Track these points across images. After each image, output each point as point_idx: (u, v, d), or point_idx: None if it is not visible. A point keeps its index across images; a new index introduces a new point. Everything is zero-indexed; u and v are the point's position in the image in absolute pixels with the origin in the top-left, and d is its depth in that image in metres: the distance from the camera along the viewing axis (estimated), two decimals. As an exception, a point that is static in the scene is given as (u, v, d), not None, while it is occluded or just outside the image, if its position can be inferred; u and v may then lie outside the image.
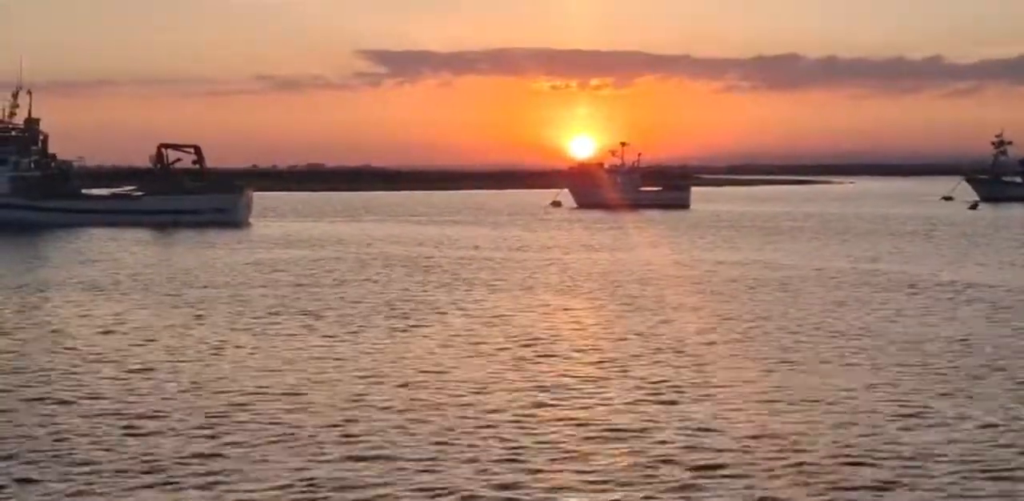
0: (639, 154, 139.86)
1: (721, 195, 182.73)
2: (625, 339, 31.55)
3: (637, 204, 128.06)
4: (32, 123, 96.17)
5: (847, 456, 18.94)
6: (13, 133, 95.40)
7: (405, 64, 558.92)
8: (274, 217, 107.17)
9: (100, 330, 33.32)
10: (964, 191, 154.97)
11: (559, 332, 33.12)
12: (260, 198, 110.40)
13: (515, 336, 32.05)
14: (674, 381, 25.34)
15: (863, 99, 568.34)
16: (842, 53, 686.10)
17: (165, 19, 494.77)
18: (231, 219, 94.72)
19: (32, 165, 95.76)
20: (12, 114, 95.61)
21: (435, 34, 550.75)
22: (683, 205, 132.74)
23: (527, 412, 22.19)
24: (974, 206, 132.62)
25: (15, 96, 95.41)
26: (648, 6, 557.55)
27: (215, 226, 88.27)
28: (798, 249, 67.03)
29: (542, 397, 23.62)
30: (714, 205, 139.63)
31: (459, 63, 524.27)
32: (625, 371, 26.58)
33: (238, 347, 30.26)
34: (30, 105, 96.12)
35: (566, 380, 25.62)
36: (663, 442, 19.81)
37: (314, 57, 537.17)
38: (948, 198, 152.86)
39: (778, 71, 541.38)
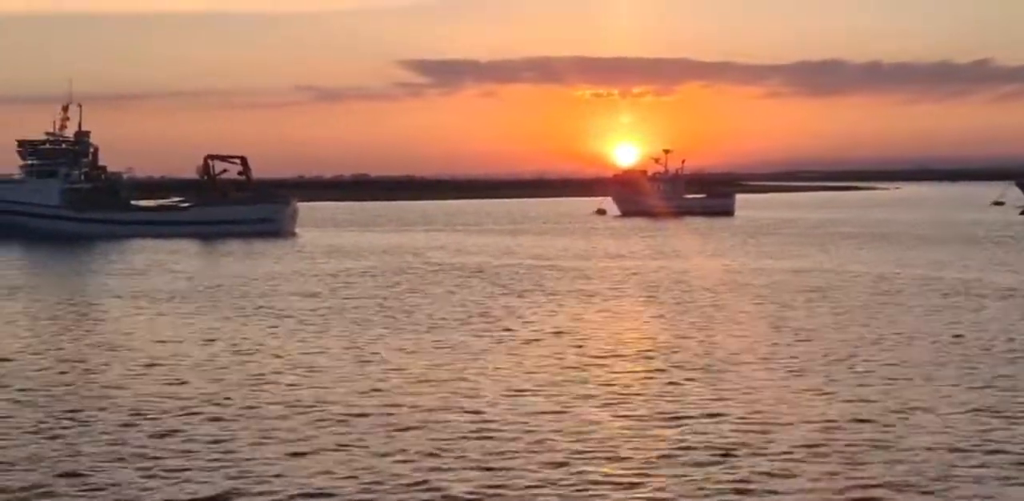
0: (682, 161, 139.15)
1: (766, 202, 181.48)
2: (732, 349, 31.02)
3: (681, 211, 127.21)
4: (82, 136, 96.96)
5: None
6: (64, 146, 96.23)
7: (447, 74, 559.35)
8: (321, 227, 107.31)
9: (200, 341, 33.16)
10: (1014, 196, 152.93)
11: (672, 343, 32.61)
12: (306, 208, 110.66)
13: (624, 346, 31.63)
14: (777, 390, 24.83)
15: (909, 104, 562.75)
16: (886, 58, 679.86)
17: (210, 33, 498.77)
18: (277, 229, 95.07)
19: (82, 177, 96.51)
20: (63, 127, 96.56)
21: (477, 43, 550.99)
22: (727, 212, 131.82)
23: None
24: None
25: (65, 109, 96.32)
26: (690, 13, 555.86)
27: (261, 236, 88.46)
28: (867, 256, 65.92)
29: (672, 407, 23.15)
30: (759, 212, 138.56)
31: (501, 72, 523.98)
32: (737, 378, 26.08)
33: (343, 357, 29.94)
34: (80, 118, 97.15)
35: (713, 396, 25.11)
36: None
37: (356, 68, 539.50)
38: (999, 203, 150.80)
39: (822, 77, 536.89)
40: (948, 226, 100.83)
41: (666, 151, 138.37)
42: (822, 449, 19.85)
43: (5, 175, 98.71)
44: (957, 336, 33.14)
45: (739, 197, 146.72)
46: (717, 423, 21.93)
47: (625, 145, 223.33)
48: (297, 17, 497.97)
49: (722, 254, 69.48)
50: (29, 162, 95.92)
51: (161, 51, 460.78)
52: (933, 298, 43.39)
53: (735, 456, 19.46)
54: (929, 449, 19.84)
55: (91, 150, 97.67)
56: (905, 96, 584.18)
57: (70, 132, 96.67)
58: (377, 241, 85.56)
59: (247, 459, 19.49)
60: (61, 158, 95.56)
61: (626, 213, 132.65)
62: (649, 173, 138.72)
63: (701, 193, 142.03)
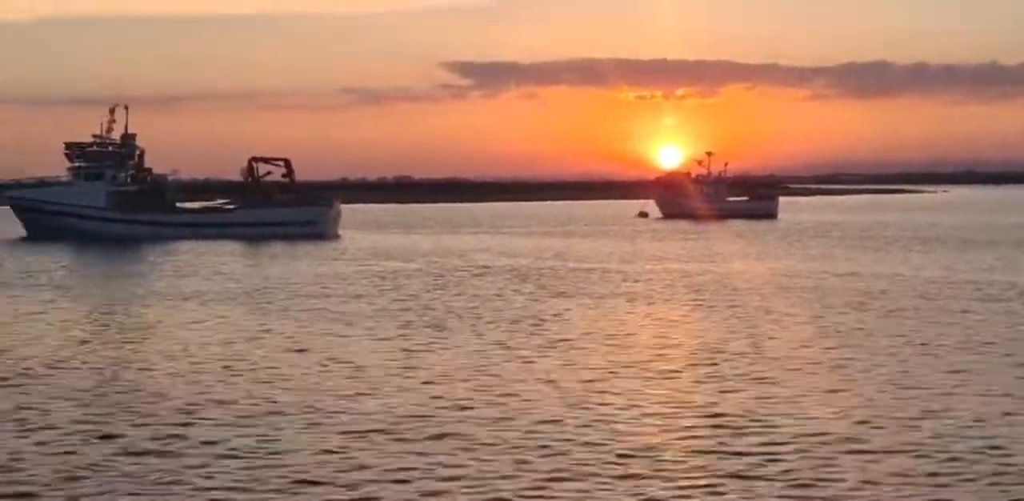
0: (725, 164, 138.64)
1: (810, 205, 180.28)
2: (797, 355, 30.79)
3: (724, 214, 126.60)
4: (128, 138, 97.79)
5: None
6: (110, 148, 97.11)
7: (490, 76, 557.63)
8: (365, 229, 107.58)
9: (245, 340, 33.26)
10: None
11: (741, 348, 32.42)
12: (349, 210, 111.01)
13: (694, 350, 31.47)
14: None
15: (955, 106, 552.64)
16: (933, 59, 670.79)
17: (254, 35, 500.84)
18: (320, 231, 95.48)
19: (128, 179, 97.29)
20: (110, 129, 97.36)
21: (519, 45, 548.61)
22: (770, 215, 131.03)
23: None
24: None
25: (112, 112, 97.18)
26: (733, 15, 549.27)
27: (305, 238, 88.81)
28: (915, 260, 65.07)
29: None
30: (803, 215, 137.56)
31: (544, 74, 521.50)
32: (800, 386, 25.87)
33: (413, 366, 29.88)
34: (126, 120, 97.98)
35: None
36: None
37: (399, 70, 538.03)
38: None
39: (867, 78, 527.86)
40: (996, 230, 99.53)
41: (709, 153, 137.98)
42: (873, 457, 19.57)
43: (53, 177, 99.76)
44: (1012, 340, 32.65)
45: (782, 200, 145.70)
46: (768, 429, 21.67)
47: (668, 147, 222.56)
48: (341, 19, 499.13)
49: (768, 257, 68.91)
50: (76, 164, 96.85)
51: (205, 53, 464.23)
52: (985, 302, 42.80)
53: (784, 461, 19.19)
54: (981, 459, 19.50)
55: (137, 152, 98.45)
56: (952, 98, 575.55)
57: (117, 134, 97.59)
58: (421, 243, 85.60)
59: (291, 465, 19.46)
60: (108, 160, 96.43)
61: (669, 215, 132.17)
62: (692, 175, 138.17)
63: (744, 196, 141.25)
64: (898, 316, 38.81)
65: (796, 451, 19.97)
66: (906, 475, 18.46)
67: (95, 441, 21.04)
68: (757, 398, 24.71)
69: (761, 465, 19.09)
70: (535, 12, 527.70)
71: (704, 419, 22.69)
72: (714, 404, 24.16)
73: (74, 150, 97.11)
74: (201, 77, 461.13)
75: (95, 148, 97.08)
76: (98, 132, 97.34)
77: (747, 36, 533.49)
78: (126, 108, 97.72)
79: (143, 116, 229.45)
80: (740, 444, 20.52)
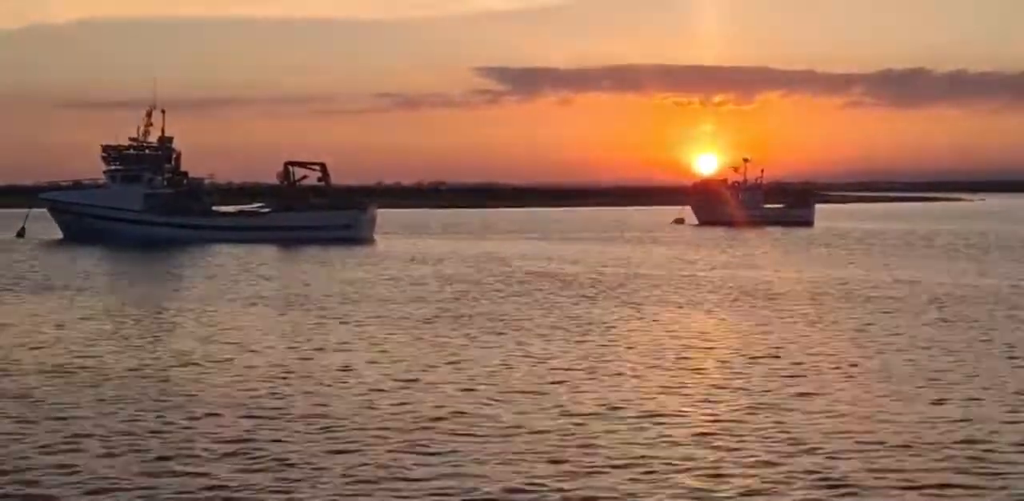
0: (762, 170, 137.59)
1: (846, 212, 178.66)
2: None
3: (760, 221, 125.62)
4: (165, 141, 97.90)
5: None
6: (147, 151, 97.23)
7: (525, 81, 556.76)
8: (400, 234, 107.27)
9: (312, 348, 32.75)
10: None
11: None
12: (384, 215, 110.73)
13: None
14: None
15: (993, 114, 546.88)
16: (971, 67, 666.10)
17: (290, 39, 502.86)
18: (355, 235, 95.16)
19: (165, 182, 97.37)
20: (146, 133, 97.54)
21: (555, 51, 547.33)
22: (807, 222, 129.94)
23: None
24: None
25: (149, 115, 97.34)
26: (771, 21, 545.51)
27: (340, 242, 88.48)
28: (977, 268, 63.72)
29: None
30: (840, 222, 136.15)
31: (580, 80, 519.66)
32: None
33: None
34: (163, 124, 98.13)
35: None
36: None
37: (435, 75, 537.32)
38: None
39: (905, 86, 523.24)
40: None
41: (745, 160, 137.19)
42: (947, 484, 18.64)
43: (90, 180, 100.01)
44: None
45: (818, 207, 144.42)
46: (832, 449, 20.70)
47: (704, 154, 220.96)
48: (376, 24, 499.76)
49: (812, 264, 67.81)
50: (113, 167, 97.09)
51: (242, 57, 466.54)
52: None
53: (851, 490, 18.27)
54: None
55: (174, 155, 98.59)
56: (990, 106, 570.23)
57: (153, 137, 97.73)
58: (457, 248, 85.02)
59: (338, 475, 18.88)
60: (145, 163, 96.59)
61: (705, 222, 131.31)
62: (728, 182, 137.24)
63: (780, 203, 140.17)
64: (958, 325, 37.74)
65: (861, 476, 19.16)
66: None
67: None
68: (819, 410, 23.81)
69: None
70: (571, 18, 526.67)
71: (754, 432, 21.82)
72: (765, 416, 23.29)
73: (111, 153, 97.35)
74: (238, 81, 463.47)
75: (132, 151, 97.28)
76: (135, 135, 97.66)
77: (784, 43, 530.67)
78: (163, 111, 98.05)
79: (180, 119, 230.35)
80: (798, 462, 19.74)
